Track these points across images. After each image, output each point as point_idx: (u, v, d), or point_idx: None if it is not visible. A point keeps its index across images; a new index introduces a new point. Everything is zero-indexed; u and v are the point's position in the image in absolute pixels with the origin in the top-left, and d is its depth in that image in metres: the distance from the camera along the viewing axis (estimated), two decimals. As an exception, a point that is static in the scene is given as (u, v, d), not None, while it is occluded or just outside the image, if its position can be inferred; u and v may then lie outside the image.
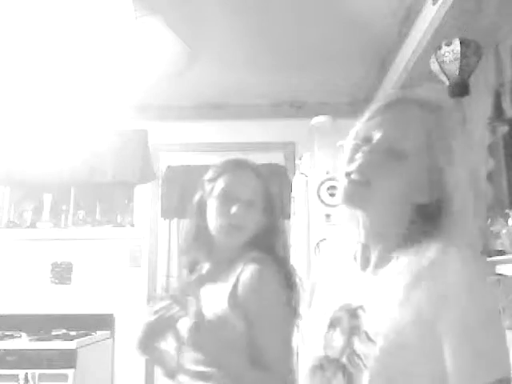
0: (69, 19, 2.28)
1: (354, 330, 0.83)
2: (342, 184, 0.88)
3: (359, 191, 0.86)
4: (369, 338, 0.80)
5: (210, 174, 1.37)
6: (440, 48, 2.12)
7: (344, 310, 0.87)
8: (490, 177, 2.18)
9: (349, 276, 0.93)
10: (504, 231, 2.11)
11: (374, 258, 0.90)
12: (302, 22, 2.58)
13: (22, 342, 2.99)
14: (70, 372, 2.79)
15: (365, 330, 0.81)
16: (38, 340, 2.98)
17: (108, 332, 3.39)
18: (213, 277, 1.33)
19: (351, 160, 0.88)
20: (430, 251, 0.82)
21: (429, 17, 2.20)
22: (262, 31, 2.69)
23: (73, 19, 2.27)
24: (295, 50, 2.90)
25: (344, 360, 0.82)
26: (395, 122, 0.87)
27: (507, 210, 2.17)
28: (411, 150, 0.84)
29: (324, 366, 0.85)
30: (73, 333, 3.20)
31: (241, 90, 3.48)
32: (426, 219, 0.86)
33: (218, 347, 1.20)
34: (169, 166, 3.79)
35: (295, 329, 1.26)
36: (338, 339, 0.85)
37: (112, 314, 3.44)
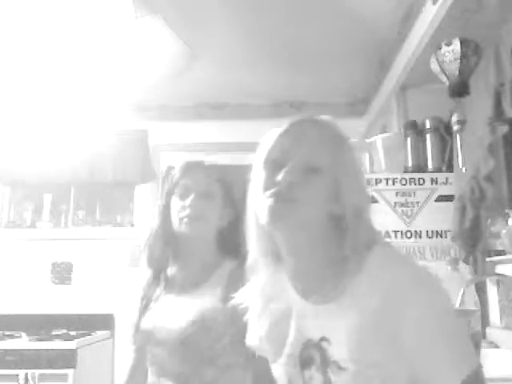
0: (69, 19, 2.28)
1: (326, 364, 0.82)
2: (266, 204, 0.84)
3: (287, 208, 0.83)
4: (339, 367, 0.79)
5: (171, 176, 1.42)
6: (440, 48, 2.12)
7: (310, 348, 0.85)
8: (490, 177, 2.18)
9: (296, 311, 0.90)
10: (504, 231, 2.11)
11: (314, 286, 0.87)
12: (302, 22, 2.58)
13: (22, 342, 2.99)
14: (69, 372, 2.79)
15: (334, 360, 0.80)
16: (38, 340, 2.98)
17: (108, 332, 3.39)
18: (185, 284, 1.35)
19: (271, 181, 0.85)
20: (368, 266, 0.81)
21: (429, 17, 2.20)
22: (262, 31, 2.69)
23: (73, 19, 2.27)
24: (295, 50, 2.90)
25: None
26: (307, 140, 0.87)
27: (507, 210, 2.17)
28: (325, 164, 0.86)
29: None
30: (73, 333, 3.20)
31: (240, 90, 3.48)
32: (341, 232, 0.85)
33: (210, 344, 1.24)
34: (169, 166, 3.79)
35: None
36: (316, 378, 0.83)
37: (112, 314, 3.44)
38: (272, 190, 0.84)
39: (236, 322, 1.22)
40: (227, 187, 1.41)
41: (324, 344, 0.82)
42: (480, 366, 0.77)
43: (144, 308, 1.38)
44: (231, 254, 1.35)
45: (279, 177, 0.84)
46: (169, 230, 1.36)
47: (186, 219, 1.32)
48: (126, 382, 1.41)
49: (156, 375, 1.30)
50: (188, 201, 1.33)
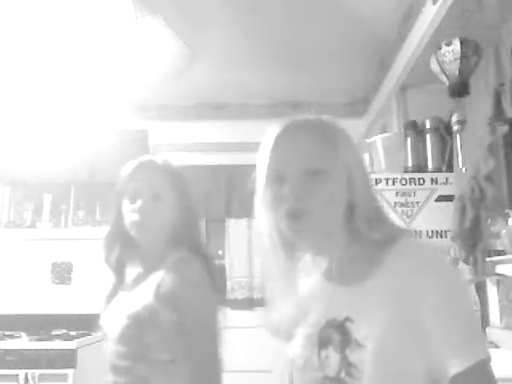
0: (69, 19, 2.28)
1: (345, 343, 0.83)
2: (284, 223, 0.86)
3: (305, 222, 0.85)
4: (359, 345, 0.81)
5: (121, 178, 1.38)
6: (440, 48, 2.13)
7: (330, 327, 0.87)
8: (490, 177, 2.18)
9: (319, 292, 0.93)
10: (504, 231, 2.11)
11: (340, 271, 0.91)
12: (302, 22, 2.58)
13: (22, 342, 2.99)
14: (69, 372, 2.78)
15: (355, 338, 0.82)
16: (38, 340, 2.98)
17: (108, 332, 3.39)
18: (136, 280, 1.38)
19: (278, 196, 0.86)
20: (393, 254, 0.84)
21: (429, 17, 2.20)
22: (262, 31, 2.69)
23: (73, 19, 2.27)
24: (295, 50, 2.90)
25: (343, 375, 0.83)
26: (302, 144, 0.87)
27: (507, 210, 2.17)
28: (326, 164, 0.86)
29: None
30: (73, 333, 3.19)
31: (240, 90, 3.48)
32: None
33: (145, 339, 1.25)
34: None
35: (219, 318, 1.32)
36: (333, 357, 0.85)
37: (112, 314, 3.44)
38: (285, 209, 0.85)
39: (171, 316, 1.25)
40: (181, 185, 1.39)
41: (347, 324, 0.84)
42: (489, 359, 0.78)
43: (105, 306, 1.42)
44: (184, 248, 1.35)
45: (285, 191, 0.85)
46: (121, 232, 1.36)
47: (134, 224, 1.32)
48: None
49: (107, 369, 1.34)
50: (137, 205, 1.31)
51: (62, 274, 3.57)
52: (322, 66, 3.11)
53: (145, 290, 1.30)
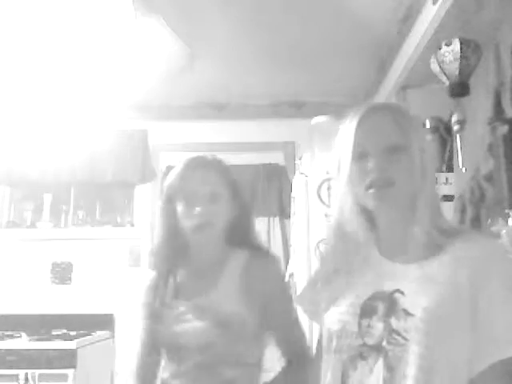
0: (69, 19, 2.28)
1: (390, 312, 0.87)
2: (369, 193, 0.93)
3: (389, 192, 0.93)
4: (407, 313, 0.85)
5: (172, 176, 1.34)
6: (440, 48, 2.12)
7: (377, 299, 0.90)
8: (490, 177, 2.17)
9: (371, 266, 0.97)
10: (504, 231, 2.11)
11: (401, 249, 0.95)
12: (302, 22, 2.58)
13: (22, 342, 2.99)
14: (69, 372, 2.79)
15: (402, 308, 0.86)
16: (38, 340, 2.98)
17: (108, 332, 3.39)
18: (198, 286, 1.31)
19: (364, 170, 0.94)
20: (453, 240, 0.90)
21: (429, 17, 2.20)
22: (262, 31, 2.69)
23: (73, 19, 2.27)
24: (295, 50, 2.90)
25: (384, 343, 0.86)
26: (382, 123, 0.96)
27: (507, 210, 2.17)
28: (404, 142, 0.94)
29: (364, 354, 0.88)
30: (73, 333, 3.19)
31: (241, 90, 3.48)
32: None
33: (236, 347, 1.24)
34: (169, 166, 3.79)
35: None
36: (375, 326, 0.88)
37: (112, 314, 3.44)
38: (370, 179, 0.93)
39: (258, 320, 1.25)
40: (234, 182, 1.36)
41: (396, 295, 0.88)
42: None
43: (158, 312, 1.33)
44: (239, 244, 1.34)
45: (370, 164, 0.93)
46: (175, 235, 1.32)
47: (196, 228, 1.27)
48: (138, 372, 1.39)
49: (173, 377, 1.27)
50: (196, 208, 1.26)
51: (62, 273, 3.57)
52: (322, 66, 3.11)
53: (223, 294, 1.27)
